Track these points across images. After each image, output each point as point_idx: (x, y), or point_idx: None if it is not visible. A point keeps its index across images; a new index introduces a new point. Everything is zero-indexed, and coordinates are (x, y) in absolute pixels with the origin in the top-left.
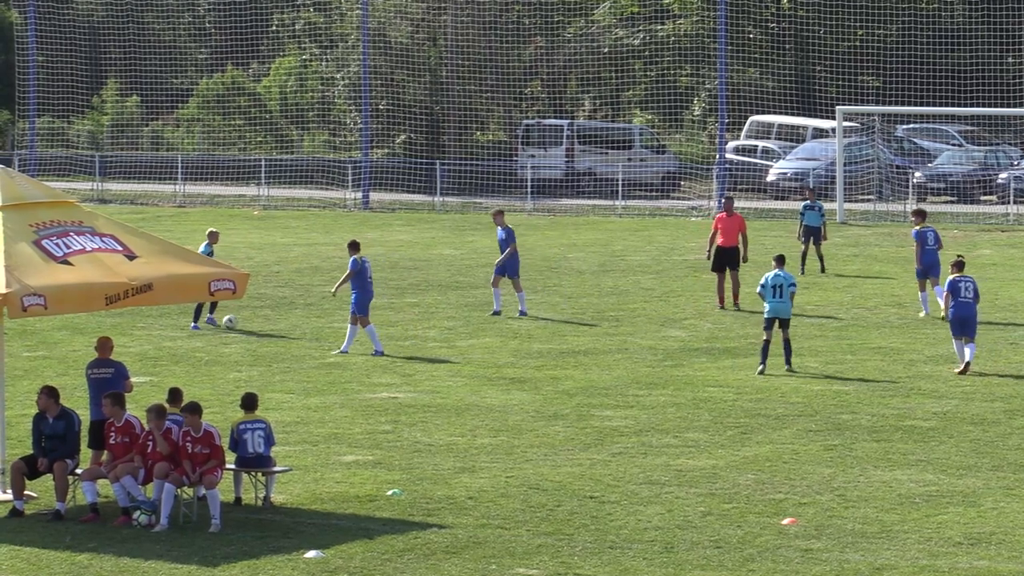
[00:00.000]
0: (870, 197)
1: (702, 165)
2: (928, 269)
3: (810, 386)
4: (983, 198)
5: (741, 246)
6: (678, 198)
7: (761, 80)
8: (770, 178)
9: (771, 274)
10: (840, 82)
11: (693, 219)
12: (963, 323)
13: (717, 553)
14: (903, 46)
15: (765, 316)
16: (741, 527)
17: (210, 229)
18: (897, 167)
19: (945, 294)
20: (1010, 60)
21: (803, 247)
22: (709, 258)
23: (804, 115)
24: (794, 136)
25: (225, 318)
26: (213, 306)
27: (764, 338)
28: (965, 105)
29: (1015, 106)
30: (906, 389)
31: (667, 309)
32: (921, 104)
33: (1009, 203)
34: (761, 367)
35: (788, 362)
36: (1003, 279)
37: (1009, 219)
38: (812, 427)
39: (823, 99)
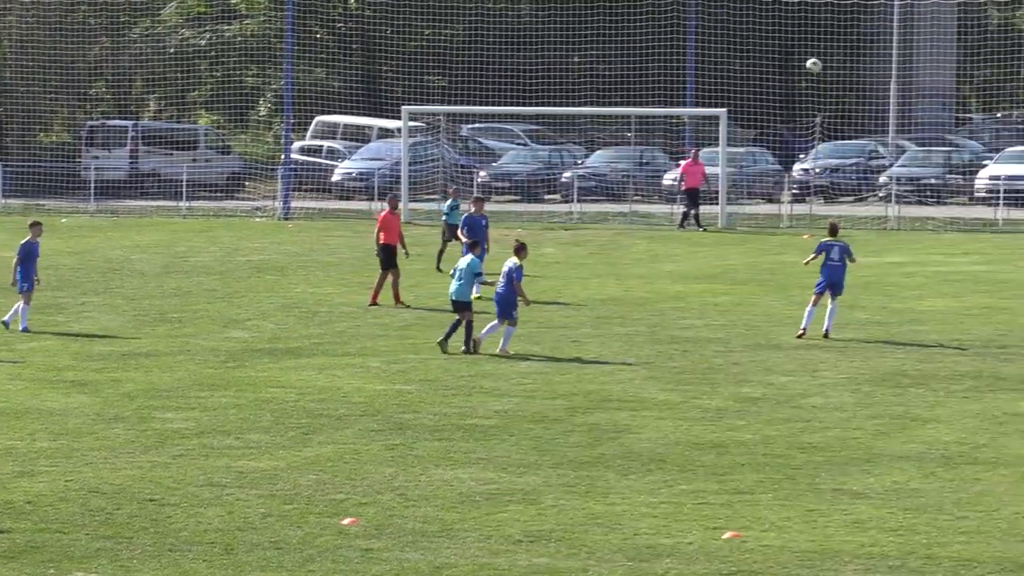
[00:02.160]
0: (435, 197)
1: (267, 165)
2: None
3: (373, 386)
4: (547, 197)
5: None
6: (243, 198)
7: (328, 80)
8: (335, 178)
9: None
10: (406, 82)
11: (257, 219)
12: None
13: (277, 554)
14: (471, 46)
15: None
16: (301, 528)
17: None
18: (462, 166)
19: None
20: (575, 61)
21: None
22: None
23: (370, 115)
24: (360, 136)
25: None
26: None
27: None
28: (530, 105)
29: (577, 106)
30: (468, 388)
31: (231, 310)
32: (487, 103)
33: (573, 202)
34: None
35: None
36: (567, 277)
37: (572, 218)
38: (374, 427)
39: (389, 99)
